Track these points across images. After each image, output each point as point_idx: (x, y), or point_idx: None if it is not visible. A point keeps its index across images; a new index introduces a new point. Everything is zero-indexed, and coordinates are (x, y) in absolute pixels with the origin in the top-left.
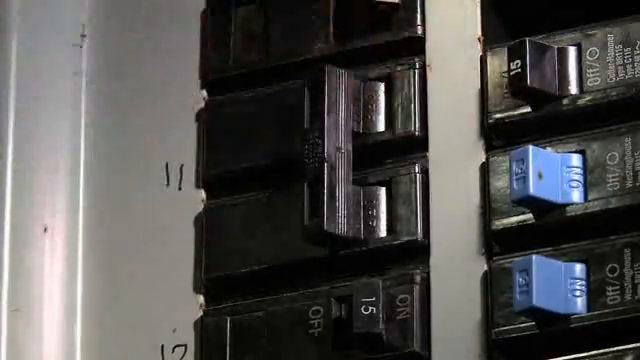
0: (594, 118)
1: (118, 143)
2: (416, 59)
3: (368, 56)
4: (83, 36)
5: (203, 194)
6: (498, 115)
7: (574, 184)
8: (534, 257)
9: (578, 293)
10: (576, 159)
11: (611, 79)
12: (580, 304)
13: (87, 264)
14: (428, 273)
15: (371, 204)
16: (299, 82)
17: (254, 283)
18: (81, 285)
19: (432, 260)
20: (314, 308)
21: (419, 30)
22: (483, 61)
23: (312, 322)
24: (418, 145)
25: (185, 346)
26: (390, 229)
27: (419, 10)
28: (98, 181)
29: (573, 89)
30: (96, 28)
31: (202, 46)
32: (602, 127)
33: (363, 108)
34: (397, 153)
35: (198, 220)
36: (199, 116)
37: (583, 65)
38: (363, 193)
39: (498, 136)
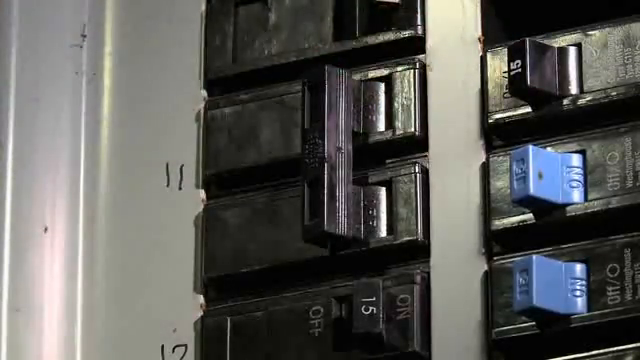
0: (594, 118)
1: (118, 143)
2: (416, 59)
3: (368, 56)
4: (83, 36)
5: (203, 194)
6: (498, 115)
7: (574, 184)
8: (534, 257)
9: (578, 293)
10: (576, 159)
11: (611, 79)
12: (580, 304)
13: (87, 264)
14: (428, 273)
15: (371, 204)
16: (299, 82)
17: (254, 283)
18: (81, 285)
19: (432, 260)
20: (314, 308)
21: (419, 30)
22: (483, 61)
23: (312, 322)
24: (418, 145)
25: (185, 346)
26: (390, 229)
27: (419, 10)
28: (98, 181)
29: (573, 89)
30: (96, 28)
31: (202, 46)
32: (602, 127)
33: (363, 108)
34: (397, 153)
35: (198, 220)
36: (199, 116)
37: (583, 65)
38: (363, 193)
39: (498, 136)
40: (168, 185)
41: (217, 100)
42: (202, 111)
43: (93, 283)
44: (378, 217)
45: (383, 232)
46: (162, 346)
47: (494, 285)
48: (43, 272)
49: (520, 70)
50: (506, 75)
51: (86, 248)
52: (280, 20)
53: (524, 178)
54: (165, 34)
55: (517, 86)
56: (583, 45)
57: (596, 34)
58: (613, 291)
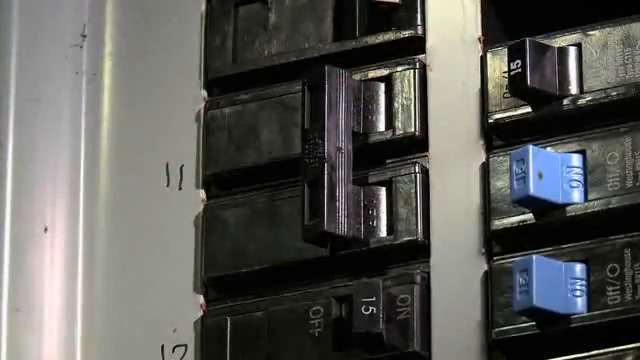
0: (594, 118)
1: (118, 143)
2: (416, 59)
3: (368, 56)
4: (83, 36)
5: (203, 194)
6: (498, 115)
7: (574, 184)
8: (534, 257)
9: (578, 293)
10: (576, 159)
11: (611, 79)
12: (580, 304)
13: (87, 264)
14: (428, 273)
15: (371, 204)
16: (299, 82)
17: (254, 283)
18: (81, 285)
19: (432, 260)
20: (314, 308)
21: (419, 30)
22: (483, 61)
23: (312, 322)
24: (418, 145)
25: (185, 346)
26: (390, 229)
27: (419, 10)
28: (98, 181)
29: (573, 89)
30: (96, 28)
31: (202, 46)
32: (602, 127)
33: (363, 108)
34: (397, 153)
35: (198, 220)
36: (199, 116)
37: (583, 65)
38: (363, 193)
39: (498, 136)
40: (168, 185)
41: (217, 100)
42: (202, 111)
43: (93, 283)
44: (378, 217)
45: (383, 232)
46: (162, 346)
47: (494, 285)
48: (43, 272)
49: (520, 70)
50: (506, 75)
51: (86, 248)
52: (280, 20)
53: (524, 178)
54: (165, 34)
55: (517, 86)
56: (583, 45)
57: (596, 34)
58: (613, 291)
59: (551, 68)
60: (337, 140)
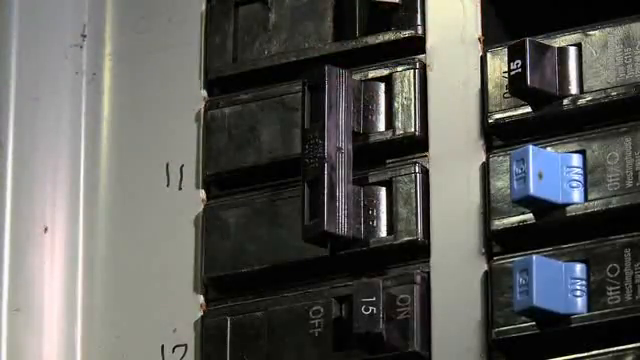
0: (594, 118)
1: (118, 143)
2: (416, 59)
3: (368, 56)
4: (83, 36)
5: (203, 194)
6: (498, 115)
7: (574, 184)
8: (534, 257)
9: (578, 293)
10: (576, 159)
11: (611, 79)
12: (580, 304)
13: (87, 264)
14: (428, 273)
15: (371, 204)
16: (299, 82)
17: (254, 283)
18: (81, 285)
19: (432, 260)
20: (314, 308)
21: (419, 30)
22: (483, 61)
23: (312, 322)
24: (418, 145)
25: (185, 346)
26: (390, 229)
27: (419, 10)
28: (98, 181)
29: (573, 89)
30: (96, 28)
31: (202, 46)
32: (602, 127)
33: (363, 108)
34: (397, 153)
35: (198, 220)
36: (199, 116)
37: (583, 65)
38: (363, 193)
39: (498, 136)
40: (168, 185)
41: (217, 100)
42: (202, 111)
43: (93, 283)
44: (378, 217)
45: (383, 232)
46: (162, 346)
47: (494, 285)
48: (43, 272)
49: (520, 70)
50: (506, 75)
51: (86, 248)
52: (280, 20)
53: (524, 178)
54: (165, 34)
55: (517, 86)
56: (583, 45)
57: (596, 34)
58: (613, 291)
59: (551, 68)
60: (337, 140)
